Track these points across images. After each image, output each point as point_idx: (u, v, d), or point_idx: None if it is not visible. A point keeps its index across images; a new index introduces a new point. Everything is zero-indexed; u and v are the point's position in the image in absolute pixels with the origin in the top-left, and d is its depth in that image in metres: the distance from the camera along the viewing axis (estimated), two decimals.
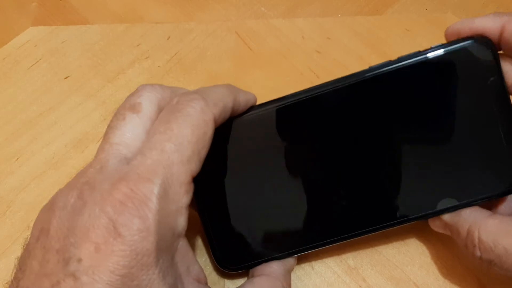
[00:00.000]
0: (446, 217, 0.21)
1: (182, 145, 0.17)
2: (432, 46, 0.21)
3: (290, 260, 0.23)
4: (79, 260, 0.15)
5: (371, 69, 0.21)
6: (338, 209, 0.22)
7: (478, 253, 0.19)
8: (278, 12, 0.36)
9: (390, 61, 0.21)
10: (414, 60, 0.20)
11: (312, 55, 0.33)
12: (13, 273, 0.17)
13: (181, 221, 0.17)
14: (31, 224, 0.26)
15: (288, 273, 0.22)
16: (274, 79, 0.32)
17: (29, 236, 0.17)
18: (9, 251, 0.26)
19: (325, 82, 0.21)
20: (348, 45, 0.33)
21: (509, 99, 0.20)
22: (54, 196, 0.17)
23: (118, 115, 0.18)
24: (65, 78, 0.33)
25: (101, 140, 0.29)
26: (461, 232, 0.20)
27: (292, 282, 0.24)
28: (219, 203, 0.22)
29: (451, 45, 0.20)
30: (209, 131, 0.18)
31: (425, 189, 0.21)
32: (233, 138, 0.22)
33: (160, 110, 0.19)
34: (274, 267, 0.22)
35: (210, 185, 0.22)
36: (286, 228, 0.22)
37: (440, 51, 0.20)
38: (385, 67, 0.21)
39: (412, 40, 0.33)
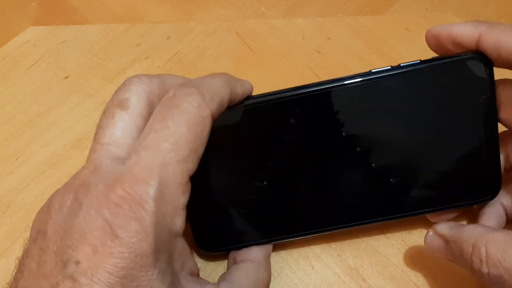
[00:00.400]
0: (446, 232, 0.21)
1: (179, 144, 0.16)
2: (434, 56, 0.21)
3: (269, 245, 0.23)
4: (77, 262, 0.15)
5: (371, 72, 0.21)
6: (321, 201, 0.23)
7: (485, 269, 0.18)
8: (278, 12, 0.36)
9: (392, 66, 0.21)
10: (414, 69, 0.21)
11: (312, 55, 0.33)
12: (13, 274, 0.17)
13: (179, 222, 0.17)
14: (31, 224, 0.26)
15: (268, 257, 0.23)
16: (274, 79, 0.32)
17: (28, 238, 0.17)
18: (8, 251, 0.26)
19: (324, 80, 0.22)
20: (348, 45, 0.33)
21: (496, 117, 0.21)
22: (50, 198, 0.17)
23: (106, 113, 0.18)
24: (65, 78, 0.33)
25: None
26: (464, 248, 0.19)
27: (292, 282, 0.24)
28: (205, 187, 0.22)
29: (451, 58, 0.21)
30: (206, 128, 0.17)
31: (409, 190, 0.22)
32: (222, 126, 0.21)
33: (149, 103, 0.18)
34: (256, 252, 0.22)
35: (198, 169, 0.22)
36: (268, 216, 0.23)
37: (441, 62, 0.21)
38: (386, 72, 0.21)
39: (412, 40, 0.33)
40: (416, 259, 0.24)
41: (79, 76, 0.33)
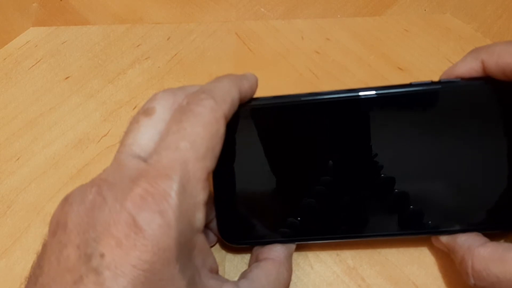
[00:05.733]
0: (444, 239, 0.22)
1: (196, 143, 0.17)
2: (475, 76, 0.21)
3: (292, 245, 0.23)
4: (102, 255, 0.15)
5: (412, 84, 0.21)
6: (346, 208, 0.23)
7: (472, 281, 0.20)
8: (278, 13, 0.36)
9: (432, 81, 0.21)
10: (453, 85, 0.21)
11: (311, 56, 0.33)
12: (31, 269, 0.17)
13: (199, 217, 0.17)
14: (32, 224, 0.27)
15: (290, 257, 0.23)
16: (274, 79, 0.32)
17: (47, 232, 0.17)
18: (9, 251, 0.26)
19: (349, 88, 0.22)
20: (347, 46, 0.33)
21: None
22: (71, 193, 0.17)
23: (133, 120, 0.19)
24: (66, 79, 0.33)
25: (101, 140, 0.30)
26: (456, 257, 0.21)
27: (291, 282, 0.24)
28: (232, 183, 0.23)
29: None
30: (221, 128, 0.18)
31: (431, 209, 0.22)
32: (249, 125, 0.22)
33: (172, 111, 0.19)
34: (279, 251, 0.22)
35: (226, 164, 0.23)
36: (293, 215, 0.23)
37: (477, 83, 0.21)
38: (426, 86, 0.21)
39: (411, 41, 0.33)
40: (415, 258, 0.24)
41: (79, 77, 0.33)
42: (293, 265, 0.24)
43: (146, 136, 0.18)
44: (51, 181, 0.28)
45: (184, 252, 0.16)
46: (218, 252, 0.25)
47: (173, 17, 0.37)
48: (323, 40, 0.34)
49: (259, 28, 0.35)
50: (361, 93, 0.22)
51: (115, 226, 0.15)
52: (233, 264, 0.25)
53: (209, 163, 0.17)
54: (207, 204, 0.18)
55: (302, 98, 0.22)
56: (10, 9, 0.38)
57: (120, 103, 0.32)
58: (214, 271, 0.19)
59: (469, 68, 0.21)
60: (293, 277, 0.24)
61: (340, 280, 0.24)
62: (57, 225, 0.16)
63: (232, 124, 0.22)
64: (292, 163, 0.23)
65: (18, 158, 0.29)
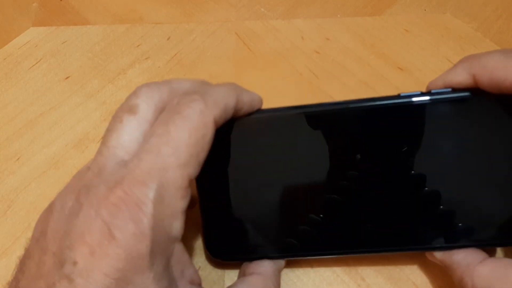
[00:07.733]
0: (439, 255, 0.21)
1: (179, 149, 0.16)
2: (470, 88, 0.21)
3: (281, 261, 0.23)
4: (75, 263, 0.15)
5: (401, 96, 0.21)
6: (335, 224, 0.22)
7: None
8: (278, 13, 0.36)
9: (422, 92, 0.21)
10: (448, 96, 0.20)
11: (311, 55, 0.33)
12: (14, 273, 0.17)
13: (177, 226, 0.17)
14: (32, 224, 0.26)
15: (278, 273, 0.22)
16: (274, 79, 0.32)
17: (31, 237, 0.17)
18: (9, 251, 0.26)
19: (341, 100, 0.21)
20: (347, 45, 0.33)
21: None
22: (54, 199, 0.17)
23: (115, 118, 0.18)
24: (66, 79, 0.33)
25: (101, 140, 0.30)
26: (454, 275, 0.21)
27: (291, 281, 0.24)
28: (220, 196, 0.22)
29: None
30: (208, 133, 0.17)
31: (425, 224, 0.22)
32: (240, 137, 0.22)
33: (157, 109, 0.18)
34: (267, 267, 0.22)
35: (214, 177, 0.22)
36: (283, 232, 0.22)
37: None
38: (416, 97, 0.21)
39: (411, 41, 0.33)
40: (414, 258, 0.24)
41: (80, 77, 0.33)
42: (292, 264, 0.24)
43: (129, 137, 0.17)
44: (51, 181, 0.28)
45: (158, 261, 0.16)
46: None
47: (173, 17, 0.37)
48: (323, 40, 0.34)
49: (259, 28, 0.35)
50: (348, 106, 0.21)
51: (89, 234, 0.15)
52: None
53: (192, 170, 0.17)
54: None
55: (299, 111, 0.21)
56: (10, 9, 0.38)
57: (120, 103, 0.31)
58: (196, 283, 0.19)
59: (459, 82, 0.20)
60: (292, 277, 0.24)
61: (340, 279, 0.24)
62: (40, 233, 0.16)
63: (224, 136, 0.21)
64: (285, 179, 0.22)
65: (18, 158, 0.29)
